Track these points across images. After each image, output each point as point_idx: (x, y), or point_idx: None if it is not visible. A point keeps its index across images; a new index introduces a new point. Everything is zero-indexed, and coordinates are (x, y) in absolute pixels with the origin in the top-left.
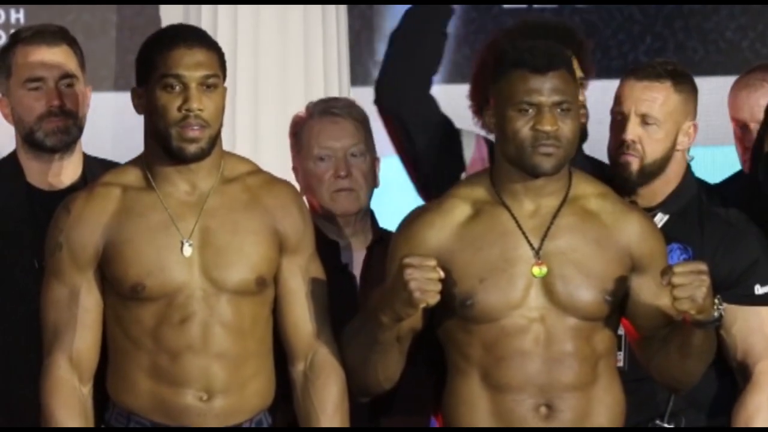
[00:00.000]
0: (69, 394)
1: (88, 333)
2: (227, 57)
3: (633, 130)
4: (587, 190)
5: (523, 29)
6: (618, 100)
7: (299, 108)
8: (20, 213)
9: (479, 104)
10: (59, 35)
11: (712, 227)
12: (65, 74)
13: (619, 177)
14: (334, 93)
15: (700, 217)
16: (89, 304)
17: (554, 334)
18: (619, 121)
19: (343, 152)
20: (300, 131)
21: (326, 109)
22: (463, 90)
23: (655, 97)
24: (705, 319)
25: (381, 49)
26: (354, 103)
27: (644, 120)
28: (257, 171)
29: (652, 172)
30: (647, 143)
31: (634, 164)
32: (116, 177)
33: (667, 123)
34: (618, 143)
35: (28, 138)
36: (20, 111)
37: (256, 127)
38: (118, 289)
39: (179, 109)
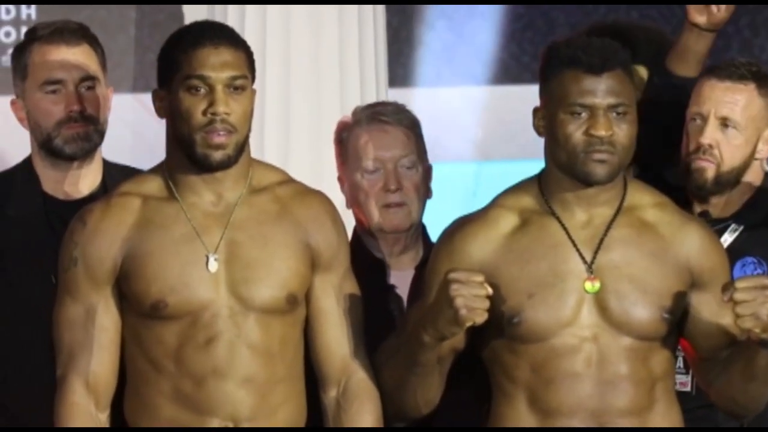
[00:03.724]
0: (85, 422)
1: (105, 355)
2: (256, 56)
3: (711, 134)
4: (644, 199)
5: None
6: (696, 101)
7: (333, 112)
8: (36, 224)
9: None
10: (79, 33)
11: None
12: (86, 76)
13: (692, 184)
14: (371, 95)
15: None
16: (106, 323)
17: (608, 354)
18: (696, 123)
19: (393, 164)
20: (346, 139)
21: (374, 115)
22: (510, 91)
23: (737, 100)
24: None
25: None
26: (404, 108)
27: (724, 123)
28: (288, 180)
29: (728, 180)
30: (725, 149)
31: (710, 171)
32: (136, 186)
33: (749, 128)
34: (694, 147)
35: (45, 145)
36: (37, 115)
37: (287, 133)
38: (138, 308)
39: (204, 113)
